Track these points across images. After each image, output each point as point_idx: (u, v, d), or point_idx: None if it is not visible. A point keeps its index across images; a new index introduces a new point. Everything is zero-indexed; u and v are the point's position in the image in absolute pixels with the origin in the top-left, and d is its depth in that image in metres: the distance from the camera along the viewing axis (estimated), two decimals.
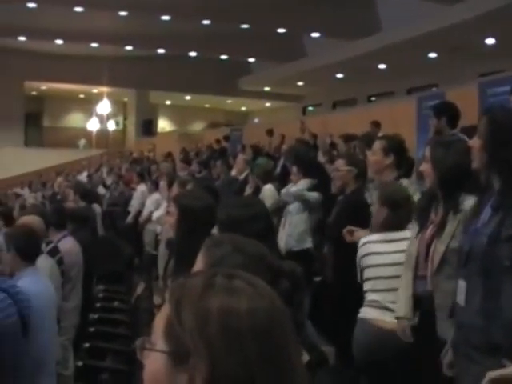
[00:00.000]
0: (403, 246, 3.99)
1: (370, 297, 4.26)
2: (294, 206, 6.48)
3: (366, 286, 4.31)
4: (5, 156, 26.14)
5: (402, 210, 4.24)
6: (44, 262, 4.99)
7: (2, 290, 3.91)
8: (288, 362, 1.16)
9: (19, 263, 4.40)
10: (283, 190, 6.73)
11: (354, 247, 4.48)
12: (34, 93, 30.04)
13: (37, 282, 4.38)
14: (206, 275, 1.22)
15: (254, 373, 1.11)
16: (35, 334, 4.17)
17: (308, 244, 6.38)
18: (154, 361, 1.16)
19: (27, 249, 4.46)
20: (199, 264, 2.00)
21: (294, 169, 6.70)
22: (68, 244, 6.10)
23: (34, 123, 30.13)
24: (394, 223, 4.27)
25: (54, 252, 5.71)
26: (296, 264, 2.05)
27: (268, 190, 7.60)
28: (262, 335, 1.14)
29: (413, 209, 4.09)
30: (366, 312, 4.25)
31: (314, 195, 6.47)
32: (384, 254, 4.25)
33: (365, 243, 4.35)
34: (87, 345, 5.91)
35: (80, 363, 5.53)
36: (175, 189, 5.63)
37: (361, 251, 4.35)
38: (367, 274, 4.30)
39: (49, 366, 4.51)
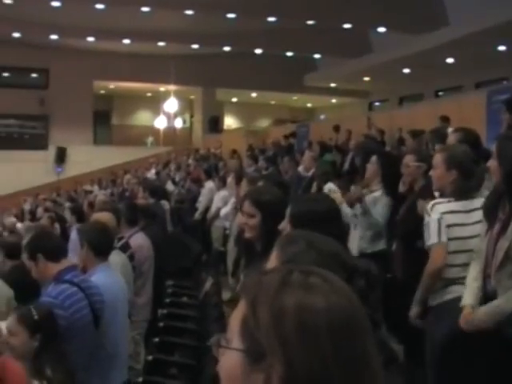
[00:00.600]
0: (479, 216, 3.86)
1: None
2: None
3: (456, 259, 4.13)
4: (75, 154, 26.69)
5: (472, 175, 4.12)
6: (116, 257, 5.07)
7: (75, 285, 4.00)
8: (364, 361, 1.13)
9: (92, 259, 4.48)
10: (347, 211, 6.04)
11: (422, 244, 4.39)
12: (102, 92, 30.48)
13: (109, 277, 4.46)
14: (281, 272, 1.20)
15: (330, 372, 1.08)
16: (107, 329, 4.25)
17: (381, 246, 6.10)
18: (230, 358, 1.15)
19: (101, 245, 4.53)
20: (273, 261, 1.99)
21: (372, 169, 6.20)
22: (139, 240, 6.19)
23: (103, 122, 30.60)
24: (466, 190, 4.12)
25: (125, 247, 5.80)
26: (371, 262, 2.03)
27: (328, 189, 7.54)
28: (339, 333, 1.11)
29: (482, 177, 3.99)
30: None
31: (379, 211, 6.01)
32: (466, 225, 4.09)
33: (444, 212, 4.12)
34: (157, 339, 5.99)
35: (150, 357, 5.60)
36: (244, 186, 5.63)
37: (440, 217, 4.10)
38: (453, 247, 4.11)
39: (121, 360, 4.58)
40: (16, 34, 23.98)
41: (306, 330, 1.10)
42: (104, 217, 5.29)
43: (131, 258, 5.74)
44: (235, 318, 1.18)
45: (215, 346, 1.19)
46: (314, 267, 1.24)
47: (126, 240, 5.99)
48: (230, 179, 10.63)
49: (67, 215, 13.24)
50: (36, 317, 3.45)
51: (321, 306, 1.12)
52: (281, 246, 2.01)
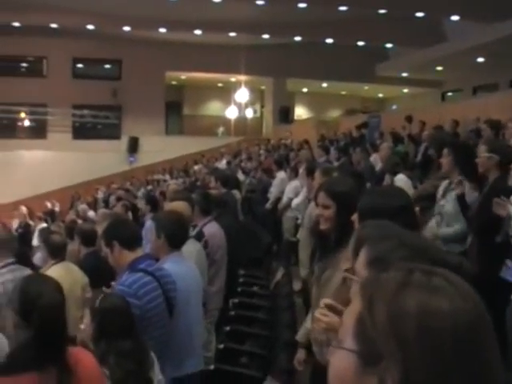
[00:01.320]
0: None
1: None
2: (449, 206, 5.65)
3: None
4: (147, 144, 27.07)
5: None
6: (191, 246, 5.11)
7: (149, 274, 4.05)
8: (487, 371, 1.06)
9: (166, 248, 4.52)
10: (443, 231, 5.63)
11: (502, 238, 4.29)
12: (174, 82, 30.78)
13: (182, 266, 4.49)
14: (401, 271, 1.13)
15: (450, 381, 1.03)
16: (181, 317, 4.29)
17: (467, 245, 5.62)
18: (342, 359, 1.11)
19: (177, 237, 4.56)
20: (362, 257, 1.97)
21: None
22: (212, 229, 6.23)
23: (175, 112, 30.90)
24: None
25: (199, 236, 5.85)
26: (462, 257, 1.98)
27: (400, 180, 7.43)
28: (463, 340, 1.04)
29: None
30: None
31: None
32: None
33: None
34: (228, 328, 6.02)
35: (221, 346, 5.64)
36: (319, 177, 5.58)
37: None
38: None
39: (194, 349, 4.62)
40: (90, 26, 24.43)
41: (429, 334, 1.03)
42: (179, 206, 5.34)
43: (205, 245, 5.78)
44: (349, 317, 1.13)
45: (326, 345, 1.14)
46: (434, 268, 1.16)
47: (199, 229, 6.04)
48: (301, 170, 10.60)
49: (140, 204, 13.45)
50: (97, 305, 3.50)
51: (446, 310, 1.05)
52: (371, 242, 1.97)
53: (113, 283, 4.38)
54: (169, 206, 5.59)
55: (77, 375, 2.65)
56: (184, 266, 4.54)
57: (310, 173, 7.01)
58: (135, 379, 3.32)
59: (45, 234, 6.52)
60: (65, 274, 5.33)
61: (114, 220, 4.80)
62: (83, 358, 2.86)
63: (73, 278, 5.59)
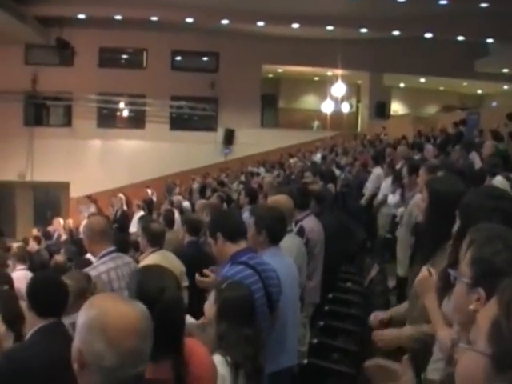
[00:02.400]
0: None
1: None
2: None
3: None
4: (242, 136, 27.28)
5: None
6: (292, 240, 5.13)
7: (250, 267, 4.08)
8: None
9: (265, 243, 4.55)
10: None
11: None
12: (270, 75, 30.86)
13: (279, 260, 4.50)
14: None
15: None
16: (279, 311, 4.32)
17: None
18: (472, 360, 1.09)
19: (277, 232, 4.59)
20: (467, 257, 1.98)
21: None
22: (311, 223, 6.24)
23: (270, 105, 31.00)
24: None
25: (301, 232, 5.86)
26: None
27: (497, 182, 7.24)
28: None
29: None
30: None
31: None
32: None
33: None
34: (322, 323, 6.02)
35: (315, 340, 5.64)
36: (423, 174, 5.49)
37: None
38: None
39: (290, 344, 4.63)
40: (189, 20, 24.75)
41: None
42: (281, 200, 5.36)
43: (307, 242, 5.79)
44: (483, 319, 1.10)
45: (455, 345, 1.12)
46: None
47: (300, 224, 6.05)
48: (398, 166, 10.48)
49: (235, 196, 13.58)
50: (222, 287, 3.56)
51: None
52: (477, 246, 1.97)
53: (205, 270, 4.46)
54: (271, 199, 5.62)
55: (190, 366, 2.71)
56: (281, 260, 4.56)
57: (413, 170, 6.92)
58: (251, 365, 3.37)
59: (144, 223, 6.67)
60: (163, 262, 5.43)
61: (219, 212, 4.88)
62: (197, 350, 2.92)
63: (170, 267, 5.69)
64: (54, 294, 3.85)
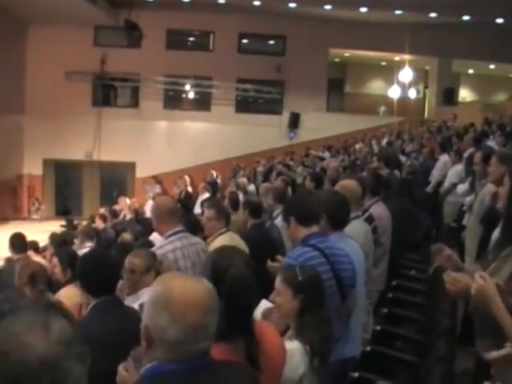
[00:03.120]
0: None
1: None
2: None
3: None
4: (308, 120, 27.18)
5: None
6: (359, 226, 5.10)
7: (318, 250, 4.07)
8: None
9: (326, 227, 4.52)
10: None
11: None
12: (336, 59, 30.64)
13: (344, 245, 4.47)
14: None
15: None
16: (353, 297, 4.30)
17: None
18: None
19: (338, 218, 4.57)
20: None
21: None
22: (379, 210, 6.20)
23: (336, 89, 30.76)
24: None
25: (369, 220, 5.82)
26: None
27: None
28: None
29: None
30: None
31: None
32: None
33: None
34: (385, 310, 5.98)
35: (378, 328, 5.61)
36: (495, 163, 5.38)
37: None
38: None
39: (356, 330, 4.62)
40: (256, 3, 24.73)
41: None
42: (350, 185, 5.33)
43: (374, 230, 5.75)
44: None
45: None
46: None
47: (369, 213, 6.01)
48: (466, 154, 10.31)
49: (299, 180, 13.57)
50: (300, 278, 3.56)
51: None
52: None
53: (277, 256, 4.47)
54: (339, 184, 5.59)
55: (262, 347, 2.73)
56: (345, 245, 4.52)
57: (485, 158, 6.77)
58: (327, 347, 3.39)
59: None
60: (229, 243, 5.47)
61: (293, 196, 4.89)
62: (267, 331, 2.95)
63: None
64: (104, 272, 3.93)
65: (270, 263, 4.48)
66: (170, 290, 2.11)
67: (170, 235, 4.98)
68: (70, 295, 5.46)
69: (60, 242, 9.40)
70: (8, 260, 8.44)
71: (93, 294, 3.87)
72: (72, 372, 1.48)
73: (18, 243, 7.70)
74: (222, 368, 2.27)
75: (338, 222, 4.57)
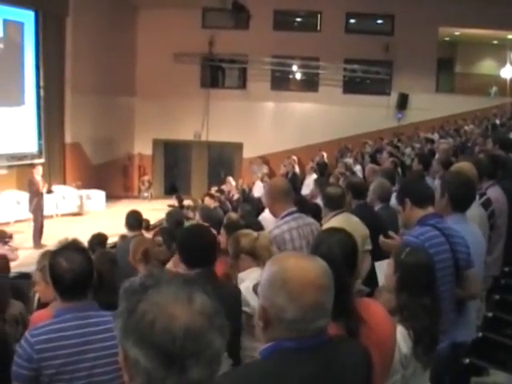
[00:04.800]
0: None
1: None
2: None
3: None
4: (416, 101, 26.67)
5: None
6: (475, 210, 5.00)
7: (437, 229, 4.05)
8: None
9: (449, 209, 4.47)
10: None
11: None
12: (446, 38, 29.85)
13: (465, 228, 4.40)
14: None
15: None
16: (469, 281, 4.23)
17: None
18: None
19: (461, 198, 4.50)
20: None
21: None
22: (495, 193, 6.05)
23: (446, 69, 30.02)
24: None
25: (487, 204, 5.70)
26: None
27: None
28: None
29: None
30: None
31: None
32: None
33: None
34: (497, 297, 5.87)
35: (490, 314, 5.52)
36: None
37: None
38: None
39: (471, 315, 4.55)
40: None
41: None
42: (465, 167, 5.24)
43: (491, 214, 5.63)
44: None
45: None
46: None
47: (487, 196, 5.88)
48: None
49: (407, 161, 13.39)
50: (403, 256, 3.55)
51: None
52: None
53: (390, 232, 4.46)
54: (454, 166, 5.50)
55: (369, 325, 2.76)
56: (466, 227, 4.45)
57: None
58: (429, 335, 3.37)
59: (321, 186, 6.72)
60: (345, 225, 5.45)
61: (407, 178, 4.88)
62: (375, 309, 2.97)
63: (353, 230, 5.71)
64: (201, 245, 4.02)
65: (382, 239, 4.48)
66: (285, 270, 2.15)
67: (285, 215, 5.02)
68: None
69: (176, 222, 9.68)
70: (122, 237, 8.70)
71: (189, 266, 3.98)
72: (214, 344, 1.54)
73: (134, 221, 7.88)
74: (339, 345, 2.32)
75: (460, 203, 4.50)
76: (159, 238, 6.59)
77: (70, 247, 3.39)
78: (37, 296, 5.60)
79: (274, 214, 5.21)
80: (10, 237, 12.57)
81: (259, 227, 6.19)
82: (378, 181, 7.35)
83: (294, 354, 2.13)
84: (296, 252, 2.27)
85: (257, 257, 4.65)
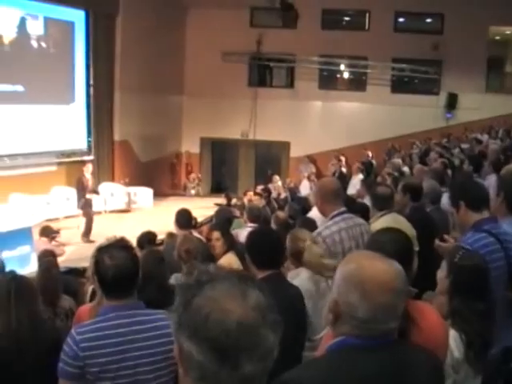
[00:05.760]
0: None
1: None
2: None
3: None
4: (465, 101, 26.32)
5: None
6: None
7: (492, 235, 3.99)
8: None
9: (504, 209, 4.41)
10: None
11: None
12: (497, 37, 29.42)
13: None
14: None
15: None
16: None
17: None
18: None
19: None
20: None
21: None
22: None
23: (496, 69, 29.50)
24: None
25: None
26: None
27: None
28: None
29: None
30: None
31: None
32: None
33: None
34: None
35: None
36: None
37: None
38: None
39: None
40: None
41: None
42: None
43: None
44: None
45: None
46: None
47: None
48: None
49: (456, 162, 13.24)
50: (456, 260, 3.53)
51: None
52: None
53: (445, 235, 4.42)
54: (506, 168, 5.42)
55: (420, 327, 2.76)
56: None
57: None
58: (481, 340, 3.34)
59: (369, 186, 6.69)
60: (392, 225, 5.41)
61: (462, 181, 4.82)
62: (428, 312, 2.96)
63: None
64: (271, 248, 4.08)
65: (437, 242, 4.45)
66: (362, 269, 2.20)
67: (335, 216, 5.00)
68: (228, 263, 5.88)
69: (225, 220, 9.79)
70: (170, 235, 8.78)
71: (259, 268, 4.02)
72: (267, 339, 1.56)
73: (183, 219, 7.94)
74: (407, 348, 2.34)
75: None
76: (217, 233, 6.71)
77: (116, 245, 3.43)
78: (90, 290, 5.69)
79: (323, 213, 5.18)
80: (57, 232, 12.78)
81: (312, 225, 6.23)
82: (429, 182, 7.28)
83: (361, 352, 2.16)
84: (373, 253, 2.28)
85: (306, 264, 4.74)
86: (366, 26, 28.00)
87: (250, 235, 4.48)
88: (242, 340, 1.52)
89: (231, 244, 6.72)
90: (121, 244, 3.45)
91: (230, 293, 1.58)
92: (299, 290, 4.27)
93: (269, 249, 4.08)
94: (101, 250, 3.42)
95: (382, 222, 5.49)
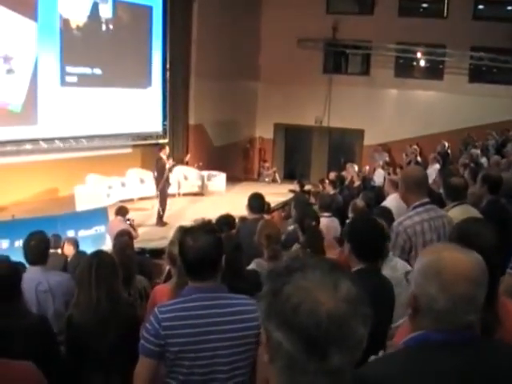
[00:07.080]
0: None
1: None
2: None
3: None
4: None
5: None
6: None
7: None
8: None
9: None
10: None
11: None
12: None
13: None
14: None
15: None
16: None
17: None
18: None
19: None
20: None
21: None
22: None
23: None
24: None
25: None
26: None
27: None
28: None
29: None
30: None
31: None
32: None
33: None
34: None
35: None
36: None
37: None
38: None
39: None
40: None
41: None
42: None
43: None
44: None
45: None
46: None
47: None
48: None
49: None
50: None
51: None
52: None
53: None
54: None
55: (504, 325, 2.73)
56: None
57: None
58: None
59: (444, 176, 6.61)
60: (463, 217, 5.36)
61: None
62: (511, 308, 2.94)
63: None
64: (371, 238, 4.01)
65: None
66: (440, 260, 2.16)
67: (417, 206, 4.95)
68: None
69: (303, 206, 9.82)
70: (242, 219, 8.79)
71: (359, 258, 3.98)
72: (357, 331, 1.55)
73: (256, 204, 7.87)
74: (490, 343, 2.27)
75: None
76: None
77: (201, 227, 3.48)
78: (167, 269, 5.78)
79: (406, 203, 5.09)
80: (132, 220, 13.04)
81: (389, 215, 6.19)
82: (506, 175, 7.15)
83: (442, 347, 2.12)
84: (452, 244, 2.24)
85: None
86: (445, 14, 27.40)
87: (354, 223, 4.43)
88: (333, 331, 1.51)
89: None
90: (206, 227, 3.50)
91: (322, 283, 1.56)
92: (391, 285, 4.15)
93: (374, 240, 4.00)
94: (185, 231, 3.48)
95: (453, 213, 5.41)
